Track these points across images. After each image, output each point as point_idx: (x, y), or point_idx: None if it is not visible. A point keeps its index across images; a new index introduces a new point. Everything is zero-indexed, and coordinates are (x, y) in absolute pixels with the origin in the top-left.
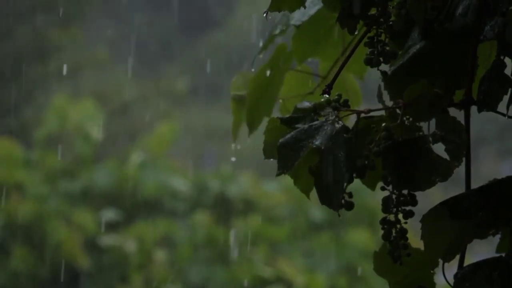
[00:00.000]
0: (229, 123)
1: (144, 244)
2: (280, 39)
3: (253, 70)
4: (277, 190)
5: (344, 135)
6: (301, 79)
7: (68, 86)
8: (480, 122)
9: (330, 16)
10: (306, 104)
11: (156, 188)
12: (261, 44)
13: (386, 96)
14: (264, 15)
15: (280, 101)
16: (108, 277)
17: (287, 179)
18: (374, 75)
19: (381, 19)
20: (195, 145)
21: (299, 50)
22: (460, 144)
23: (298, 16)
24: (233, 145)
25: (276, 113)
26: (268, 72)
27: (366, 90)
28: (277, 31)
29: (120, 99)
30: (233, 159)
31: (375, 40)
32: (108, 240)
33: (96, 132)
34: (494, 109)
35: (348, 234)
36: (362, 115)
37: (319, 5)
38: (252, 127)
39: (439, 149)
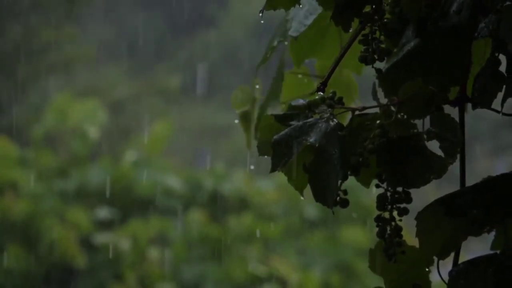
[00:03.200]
0: (223, 121)
1: (138, 242)
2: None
3: (257, 86)
4: (271, 187)
5: (339, 132)
6: (301, 81)
7: (61, 85)
8: (474, 119)
9: (326, 15)
10: (301, 101)
11: (150, 186)
12: (251, 42)
13: (380, 94)
14: (260, 14)
15: (282, 105)
16: (102, 275)
17: (281, 177)
18: (369, 73)
19: (376, 17)
20: (189, 143)
21: (296, 52)
22: (455, 142)
23: (296, 26)
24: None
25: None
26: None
27: (361, 88)
28: (275, 43)
29: (113, 98)
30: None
31: (369, 38)
32: (102, 238)
33: (94, 132)
34: (488, 106)
35: (342, 232)
36: (357, 112)
37: (315, 14)
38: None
39: (433, 146)
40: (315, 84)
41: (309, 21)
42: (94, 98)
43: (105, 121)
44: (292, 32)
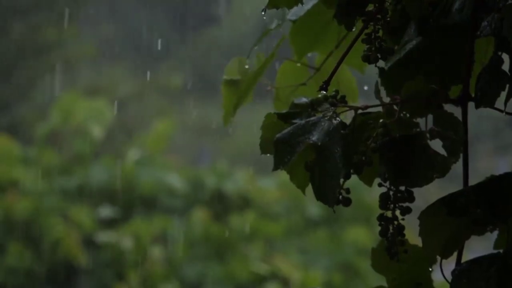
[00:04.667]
0: None
1: (141, 241)
2: (276, 32)
3: (246, 66)
4: (274, 186)
5: (341, 131)
6: (295, 69)
7: (64, 83)
8: (477, 118)
9: (327, 10)
10: (303, 99)
11: (152, 185)
12: (255, 40)
13: (383, 93)
14: (262, 12)
15: (274, 90)
16: (105, 274)
17: (283, 176)
18: (371, 71)
19: (378, 16)
20: (191, 141)
21: (297, 45)
22: (457, 140)
23: (295, 11)
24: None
25: (269, 103)
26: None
27: (363, 86)
28: (273, 25)
29: (116, 96)
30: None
31: (372, 37)
32: (104, 237)
33: (98, 130)
34: (491, 105)
35: (344, 231)
36: (360, 111)
37: (315, 0)
38: (232, 112)
39: (436, 145)
40: (310, 73)
41: (308, 6)
42: (98, 97)
43: (110, 120)
44: (291, 16)
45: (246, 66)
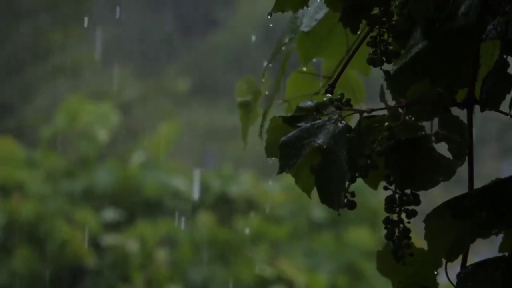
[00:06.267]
0: (230, 123)
1: (146, 244)
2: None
3: (263, 80)
4: (278, 189)
5: (347, 134)
6: (305, 79)
7: (68, 86)
8: (482, 121)
9: (333, 15)
10: (309, 103)
11: (157, 188)
12: (259, 44)
13: (388, 96)
14: (269, 16)
15: (285, 102)
16: (110, 277)
17: (288, 179)
18: (376, 75)
19: (384, 19)
20: (196, 145)
21: (303, 51)
22: (463, 144)
23: (307, 22)
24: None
25: (279, 108)
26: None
27: (368, 89)
28: (286, 40)
29: (121, 99)
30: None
31: (377, 40)
32: (109, 240)
33: (103, 134)
34: (497, 108)
35: (349, 234)
36: (365, 114)
37: (326, 9)
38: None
39: (442, 148)
40: (320, 83)
41: (320, 16)
42: (103, 100)
43: (116, 124)
44: (303, 28)
45: (263, 80)
